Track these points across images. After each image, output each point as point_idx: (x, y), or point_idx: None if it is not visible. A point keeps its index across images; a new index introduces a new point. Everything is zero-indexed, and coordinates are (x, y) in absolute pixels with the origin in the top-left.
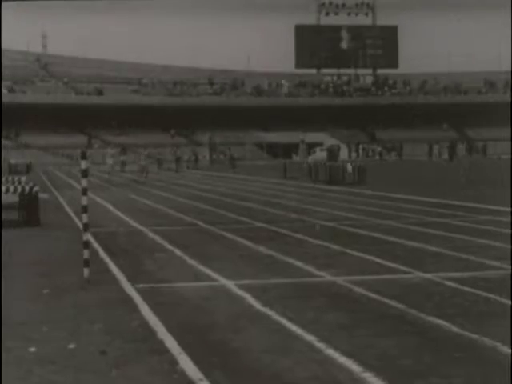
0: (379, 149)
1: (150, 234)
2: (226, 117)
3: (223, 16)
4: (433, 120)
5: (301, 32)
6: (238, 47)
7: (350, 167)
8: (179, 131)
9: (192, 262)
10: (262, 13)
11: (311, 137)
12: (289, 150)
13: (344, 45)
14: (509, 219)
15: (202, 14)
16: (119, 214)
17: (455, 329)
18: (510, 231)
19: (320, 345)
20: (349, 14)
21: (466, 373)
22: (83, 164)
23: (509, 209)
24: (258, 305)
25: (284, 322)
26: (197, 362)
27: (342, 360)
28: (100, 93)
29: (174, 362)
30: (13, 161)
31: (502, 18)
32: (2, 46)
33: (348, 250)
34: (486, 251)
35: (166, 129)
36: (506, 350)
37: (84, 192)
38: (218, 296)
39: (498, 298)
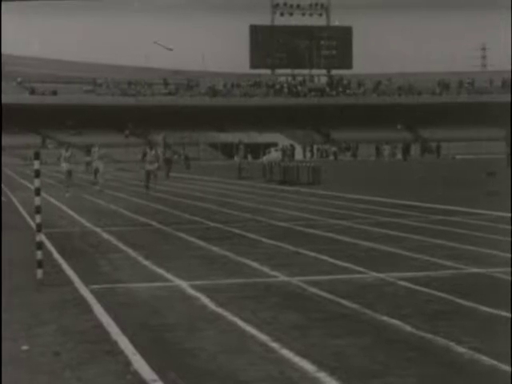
0: (334, 149)
1: (105, 235)
2: (181, 117)
3: (177, 16)
4: (387, 120)
5: (255, 32)
6: (193, 47)
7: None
8: (133, 131)
9: (146, 262)
10: (216, 13)
11: (266, 137)
12: (245, 150)
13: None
14: (460, 219)
15: (156, 14)
16: (73, 214)
17: (409, 328)
18: (462, 231)
19: (274, 345)
20: (303, 14)
21: (420, 372)
22: (36, 164)
23: (461, 208)
24: (212, 305)
25: (238, 322)
26: (151, 362)
27: (297, 360)
28: (54, 93)
29: (127, 363)
30: None
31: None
32: None
33: (302, 250)
34: (439, 251)
35: (120, 129)
36: (460, 349)
37: (37, 192)
38: (173, 296)
39: (451, 297)
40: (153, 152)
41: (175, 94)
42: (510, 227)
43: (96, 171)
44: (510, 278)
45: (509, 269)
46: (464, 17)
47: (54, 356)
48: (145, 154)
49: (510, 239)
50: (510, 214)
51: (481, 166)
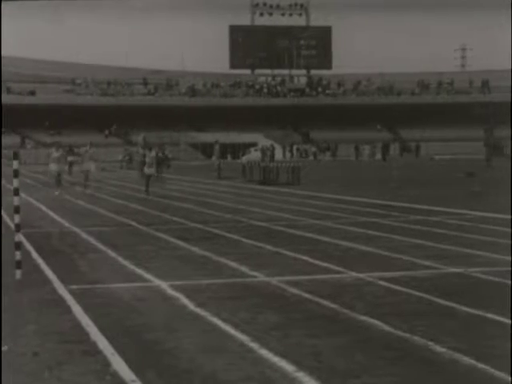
0: (313, 149)
1: (84, 235)
2: (161, 117)
3: (157, 16)
4: (366, 121)
5: (235, 32)
6: (172, 47)
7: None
8: (113, 131)
9: (125, 262)
10: (196, 13)
11: (246, 137)
12: (224, 150)
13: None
14: (439, 219)
15: (136, 13)
16: (53, 214)
17: (388, 328)
18: (442, 231)
19: (253, 345)
20: (283, 14)
21: (398, 371)
22: (15, 164)
23: (440, 208)
24: (191, 305)
25: (218, 322)
26: (130, 362)
27: (276, 360)
28: (32, 93)
29: (106, 364)
30: None
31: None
32: None
33: (282, 250)
34: (418, 251)
35: (100, 129)
36: (439, 348)
37: (16, 192)
38: (152, 296)
39: (430, 297)
40: (152, 154)
41: (155, 93)
42: (489, 227)
43: (87, 173)
44: (488, 278)
45: (487, 268)
46: (444, 17)
47: (34, 356)
48: (130, 156)
49: (489, 239)
50: (490, 214)
51: (460, 166)
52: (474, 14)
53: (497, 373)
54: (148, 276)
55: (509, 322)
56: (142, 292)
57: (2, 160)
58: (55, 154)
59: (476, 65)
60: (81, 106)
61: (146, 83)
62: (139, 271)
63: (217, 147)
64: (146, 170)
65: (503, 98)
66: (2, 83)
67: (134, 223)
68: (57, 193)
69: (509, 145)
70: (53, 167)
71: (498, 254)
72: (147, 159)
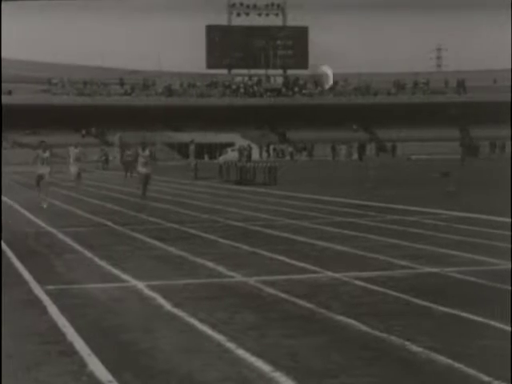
0: (290, 149)
1: (60, 235)
2: (137, 117)
3: (134, 16)
4: (343, 120)
5: (212, 32)
6: (149, 47)
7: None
8: (90, 131)
9: (102, 262)
10: (172, 13)
11: (223, 137)
12: (201, 150)
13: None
14: (415, 219)
15: (112, 14)
16: (28, 215)
17: (364, 328)
18: (418, 230)
19: (230, 345)
20: (259, 14)
21: (375, 371)
22: None
23: (416, 208)
24: (168, 305)
25: (195, 322)
26: (106, 363)
27: (252, 360)
28: (9, 92)
29: (83, 364)
30: None
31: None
32: None
33: (259, 250)
34: (394, 251)
35: (76, 129)
36: (415, 348)
37: None
38: (129, 297)
39: (406, 296)
40: (146, 152)
41: (131, 93)
42: (464, 227)
43: (78, 175)
44: (464, 278)
45: (463, 268)
46: (420, 17)
47: (9, 358)
48: (126, 155)
49: (464, 239)
50: (465, 214)
51: (435, 166)
52: (449, 15)
53: (472, 372)
54: (124, 276)
55: (483, 320)
56: (118, 292)
57: None
58: (42, 154)
59: (452, 65)
60: (57, 105)
61: (122, 83)
62: (116, 271)
63: (192, 147)
64: (142, 170)
65: (479, 99)
66: None
67: (110, 223)
68: (45, 206)
69: (485, 145)
70: (43, 169)
71: (474, 253)
72: (141, 158)
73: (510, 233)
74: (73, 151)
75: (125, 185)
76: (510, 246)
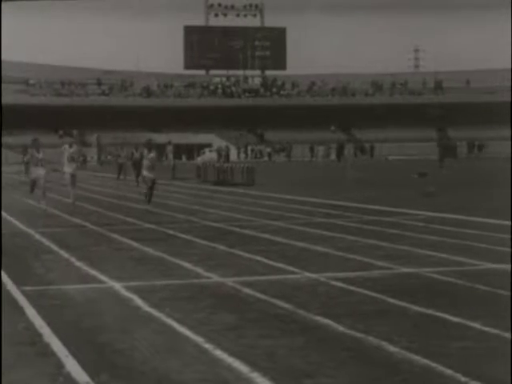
0: (268, 150)
1: (37, 236)
2: (115, 117)
3: (111, 16)
4: (321, 121)
5: (189, 33)
6: (127, 48)
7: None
8: (68, 132)
9: (79, 263)
10: (151, 14)
11: (200, 138)
12: (178, 150)
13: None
14: (393, 219)
15: (90, 14)
16: (4, 215)
17: (342, 328)
18: (395, 231)
19: (208, 346)
20: (237, 15)
21: (353, 372)
22: None
23: (394, 209)
24: (145, 306)
25: (172, 323)
26: (83, 364)
27: (230, 360)
28: None
29: (60, 365)
30: None
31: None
32: None
33: (236, 251)
34: (372, 251)
35: (54, 129)
36: (392, 348)
37: None
38: (106, 298)
39: (383, 297)
40: (151, 154)
41: (109, 94)
42: (441, 227)
43: (73, 178)
44: (441, 278)
45: (441, 268)
46: (397, 18)
47: None
48: (136, 156)
49: (441, 239)
50: (442, 214)
51: (413, 166)
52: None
53: (449, 372)
54: (102, 277)
55: (460, 320)
56: (95, 293)
57: None
58: (38, 155)
59: (429, 66)
60: (34, 106)
61: (100, 83)
62: (93, 272)
63: (170, 147)
64: (147, 174)
65: (456, 99)
66: None
67: (87, 224)
68: (44, 206)
69: (462, 145)
70: (38, 172)
71: (450, 254)
72: (145, 161)
73: (487, 233)
74: (67, 150)
75: (103, 186)
76: (487, 246)
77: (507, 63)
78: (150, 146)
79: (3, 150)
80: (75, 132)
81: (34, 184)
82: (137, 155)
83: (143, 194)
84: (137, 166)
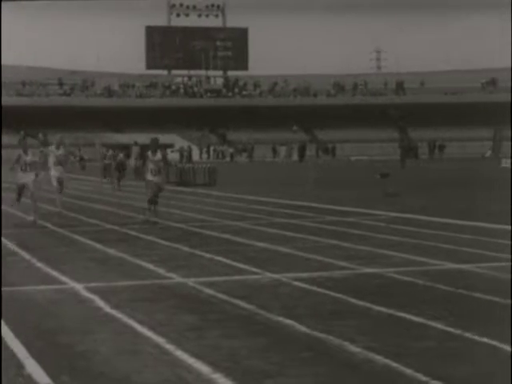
0: (230, 150)
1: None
2: (76, 117)
3: (72, 16)
4: (283, 122)
5: (151, 33)
6: (88, 48)
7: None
8: (29, 132)
9: (40, 264)
10: (112, 13)
11: (162, 138)
12: (140, 151)
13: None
14: (355, 220)
15: (51, 13)
16: None
17: (303, 329)
18: (357, 231)
19: (169, 347)
20: (199, 15)
21: (315, 372)
22: None
23: (355, 209)
24: (106, 307)
25: (133, 324)
26: (44, 366)
27: (192, 361)
28: None
29: (20, 367)
30: None
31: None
32: None
33: (198, 252)
34: (334, 251)
35: (15, 130)
36: (354, 348)
37: None
38: (67, 299)
39: (345, 297)
40: (158, 156)
41: (70, 94)
42: (403, 227)
43: (60, 182)
44: (402, 278)
45: (402, 268)
46: (359, 19)
47: None
48: (140, 158)
49: (402, 239)
50: (403, 215)
51: (375, 167)
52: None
53: (409, 372)
54: (63, 278)
55: (421, 320)
56: (56, 294)
57: None
58: (26, 157)
59: (391, 66)
60: None
61: (61, 83)
62: (54, 273)
63: (136, 148)
64: (152, 179)
65: (418, 100)
66: None
67: (49, 225)
68: (31, 218)
69: (423, 146)
70: (27, 177)
71: (411, 254)
72: (150, 164)
73: (448, 233)
74: (54, 152)
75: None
76: (449, 246)
77: (469, 64)
78: (155, 145)
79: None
80: (40, 134)
81: (20, 192)
82: (121, 156)
83: (147, 205)
84: (120, 168)
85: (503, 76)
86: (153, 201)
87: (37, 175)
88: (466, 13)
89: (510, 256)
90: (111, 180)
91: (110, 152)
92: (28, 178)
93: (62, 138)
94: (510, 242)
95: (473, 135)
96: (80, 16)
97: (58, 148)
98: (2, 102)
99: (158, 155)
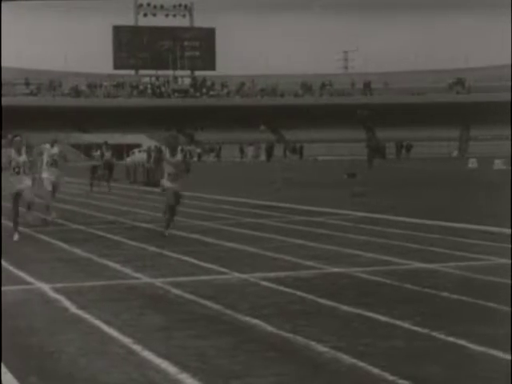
0: (198, 150)
1: None
2: (43, 117)
3: (39, 15)
4: (250, 122)
5: (118, 33)
6: (55, 47)
7: None
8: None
9: (5, 264)
10: (79, 13)
11: (130, 138)
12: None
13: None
14: (322, 220)
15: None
16: None
17: (270, 328)
18: (324, 231)
19: (136, 347)
20: (167, 15)
21: (281, 372)
22: None
23: (323, 209)
24: (73, 308)
25: (100, 324)
26: (11, 367)
27: (159, 362)
28: None
29: None
30: None
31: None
32: None
33: (166, 252)
34: (301, 251)
35: None
36: (320, 348)
37: None
38: (33, 299)
39: (312, 297)
40: (178, 157)
41: (37, 94)
42: (370, 227)
43: (55, 187)
44: (369, 277)
45: (369, 268)
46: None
47: None
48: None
49: (368, 239)
50: (372, 215)
51: (342, 167)
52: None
53: (376, 371)
54: (29, 279)
55: (388, 320)
56: (23, 295)
57: None
58: (19, 158)
59: (358, 67)
60: None
61: (28, 83)
62: (20, 274)
63: (104, 148)
64: (170, 185)
65: (385, 100)
66: None
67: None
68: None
69: (390, 146)
70: (22, 182)
71: (378, 253)
72: (168, 167)
73: (415, 233)
74: (48, 151)
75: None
76: (415, 246)
77: (436, 64)
78: (174, 143)
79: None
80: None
81: (17, 200)
82: (108, 156)
83: (163, 214)
84: (110, 168)
85: (470, 76)
86: (171, 212)
87: (34, 179)
88: (432, 14)
89: (478, 255)
90: (98, 183)
91: (99, 152)
92: (24, 182)
93: (28, 138)
94: (475, 242)
95: (439, 135)
96: (47, 15)
97: (52, 146)
98: None
99: (179, 156)
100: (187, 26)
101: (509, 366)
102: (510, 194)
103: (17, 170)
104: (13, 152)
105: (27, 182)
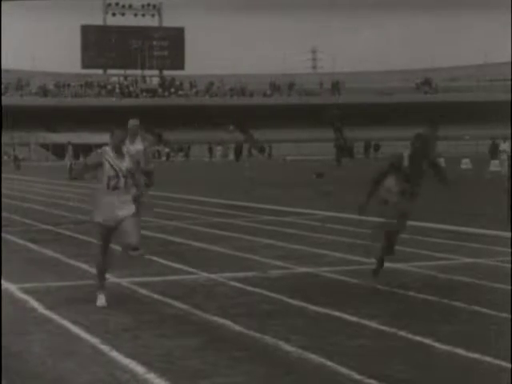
0: (166, 150)
1: None
2: (10, 117)
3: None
4: (219, 121)
5: (87, 32)
6: (23, 47)
7: None
8: None
9: None
10: (47, 12)
11: (98, 138)
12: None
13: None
14: (290, 219)
15: None
16: None
17: (238, 328)
18: (292, 231)
19: (104, 347)
20: (135, 15)
21: (249, 371)
22: None
23: (291, 209)
24: (40, 308)
25: (67, 324)
26: None
27: (126, 362)
28: None
29: None
30: None
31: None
32: None
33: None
34: (270, 251)
35: None
36: (288, 347)
37: None
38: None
39: (280, 296)
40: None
41: (4, 93)
42: (338, 227)
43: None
44: (337, 277)
45: (336, 267)
46: (295, 18)
47: None
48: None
49: (336, 238)
50: (339, 214)
51: (310, 167)
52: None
53: (343, 369)
54: None
55: (356, 319)
56: None
57: None
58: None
59: (327, 66)
60: None
61: None
62: None
63: (70, 148)
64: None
65: (353, 100)
66: None
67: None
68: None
69: (359, 145)
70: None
71: (345, 253)
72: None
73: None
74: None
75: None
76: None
77: (404, 64)
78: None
79: None
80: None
81: (110, 235)
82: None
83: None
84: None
85: (437, 76)
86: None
87: (137, 198)
88: (401, 14)
89: (444, 255)
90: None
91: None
92: (125, 208)
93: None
94: (442, 241)
95: (407, 135)
96: (14, 14)
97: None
98: None
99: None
100: (156, 25)
101: (472, 364)
102: (477, 194)
103: (114, 182)
104: (110, 151)
105: (130, 205)
